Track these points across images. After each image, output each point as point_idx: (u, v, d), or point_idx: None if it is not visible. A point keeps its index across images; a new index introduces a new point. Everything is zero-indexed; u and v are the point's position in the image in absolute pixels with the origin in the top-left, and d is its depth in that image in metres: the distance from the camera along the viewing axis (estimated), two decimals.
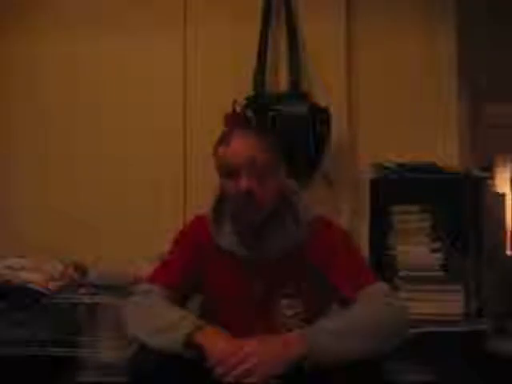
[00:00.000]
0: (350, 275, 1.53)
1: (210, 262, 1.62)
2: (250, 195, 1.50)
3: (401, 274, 2.10)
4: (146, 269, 2.06)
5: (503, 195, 2.53)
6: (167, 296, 1.54)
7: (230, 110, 2.29)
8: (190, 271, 1.61)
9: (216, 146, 1.59)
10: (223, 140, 1.57)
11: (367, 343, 1.37)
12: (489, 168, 2.48)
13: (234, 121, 2.26)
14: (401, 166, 2.18)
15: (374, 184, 2.20)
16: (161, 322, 1.43)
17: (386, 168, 2.19)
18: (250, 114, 2.27)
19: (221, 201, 1.65)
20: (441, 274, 2.07)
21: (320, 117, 2.27)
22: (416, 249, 2.11)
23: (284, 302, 1.58)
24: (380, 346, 1.39)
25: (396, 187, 2.17)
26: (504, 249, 2.51)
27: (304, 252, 1.58)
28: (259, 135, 1.57)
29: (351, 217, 2.38)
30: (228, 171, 1.53)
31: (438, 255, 2.10)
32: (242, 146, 1.52)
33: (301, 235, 1.59)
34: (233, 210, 1.59)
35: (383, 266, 2.11)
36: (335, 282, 1.54)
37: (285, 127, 2.23)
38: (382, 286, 1.54)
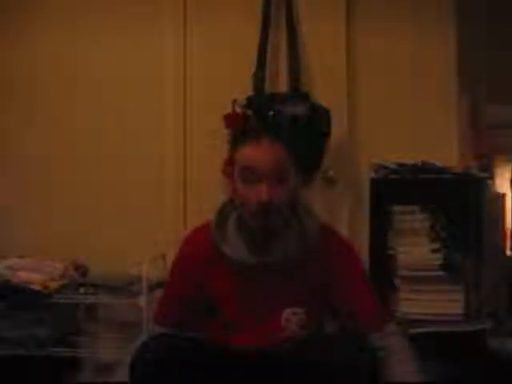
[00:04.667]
0: (370, 308, 1.59)
1: (213, 272, 1.61)
2: (270, 204, 1.48)
3: (401, 273, 2.10)
4: (146, 269, 2.07)
5: (503, 195, 2.53)
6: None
7: (229, 110, 2.29)
8: (191, 299, 1.64)
9: (236, 149, 1.57)
10: (244, 142, 1.57)
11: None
12: (489, 168, 2.48)
13: (234, 121, 2.26)
14: (401, 165, 2.18)
15: (374, 184, 2.20)
16: None
17: (386, 168, 2.19)
18: (249, 113, 2.27)
19: (224, 208, 1.63)
20: (441, 273, 2.07)
21: (320, 117, 2.27)
22: (416, 249, 2.11)
23: (288, 309, 1.58)
24: None
25: (396, 187, 2.17)
26: (504, 249, 2.51)
27: (310, 261, 1.58)
28: (282, 142, 1.56)
29: (351, 217, 2.39)
30: (249, 176, 1.51)
31: (438, 255, 2.09)
32: (266, 152, 1.51)
33: (306, 244, 1.58)
34: (246, 216, 1.55)
35: (383, 265, 2.11)
36: (342, 299, 1.58)
37: (285, 127, 2.23)
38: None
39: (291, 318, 1.57)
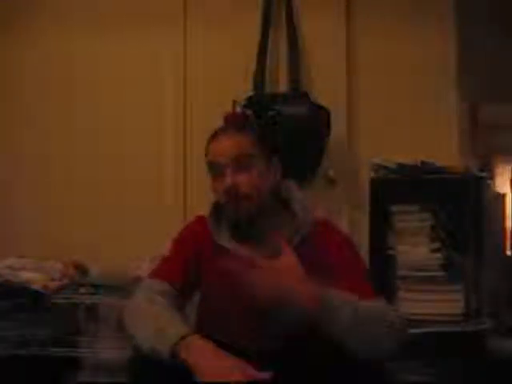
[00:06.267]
0: (352, 284, 1.52)
1: (209, 261, 1.62)
2: (235, 190, 1.53)
3: (401, 273, 2.10)
4: (146, 268, 2.07)
5: (503, 195, 2.53)
6: (167, 292, 1.54)
7: (230, 109, 2.29)
8: (190, 269, 1.62)
9: (207, 143, 1.63)
10: (209, 140, 1.62)
11: (362, 332, 1.35)
12: (489, 168, 2.48)
13: (234, 121, 2.26)
14: (401, 166, 2.18)
15: (374, 184, 2.20)
16: (152, 328, 1.40)
17: (386, 168, 2.19)
18: (249, 113, 2.27)
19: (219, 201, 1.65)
20: (441, 273, 2.07)
21: (320, 117, 2.27)
22: (416, 249, 2.11)
23: None
24: (371, 341, 1.37)
25: (396, 187, 2.17)
26: (504, 249, 2.51)
27: (304, 253, 1.58)
28: (245, 132, 1.61)
29: (351, 217, 2.39)
30: (215, 170, 1.57)
31: (438, 255, 2.09)
32: (225, 144, 1.57)
33: (301, 236, 1.59)
34: (225, 208, 1.60)
35: (383, 265, 2.11)
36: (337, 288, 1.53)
37: (285, 127, 2.23)
38: (380, 304, 1.50)
39: None
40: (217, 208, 1.66)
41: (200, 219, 1.69)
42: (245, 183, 1.54)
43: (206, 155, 1.62)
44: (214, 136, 1.62)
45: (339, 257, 1.58)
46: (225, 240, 1.62)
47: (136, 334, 1.43)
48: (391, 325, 1.42)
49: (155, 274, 1.62)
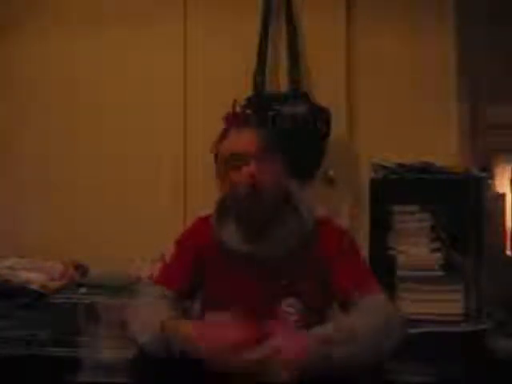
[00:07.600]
0: (354, 279, 1.53)
1: (212, 263, 1.63)
2: (255, 186, 1.51)
3: (401, 273, 2.10)
4: (146, 269, 2.07)
5: (503, 195, 2.53)
6: (168, 297, 1.55)
7: (230, 109, 2.29)
8: (192, 272, 1.62)
9: (220, 139, 1.61)
10: (229, 133, 1.61)
11: (365, 352, 1.36)
12: (489, 168, 2.48)
13: (234, 121, 2.26)
14: (401, 166, 2.18)
15: (374, 184, 2.20)
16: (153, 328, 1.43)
17: (386, 168, 2.19)
18: (249, 113, 2.27)
19: (225, 200, 1.65)
20: (441, 273, 2.07)
21: (320, 117, 2.27)
22: (416, 249, 2.11)
23: (286, 301, 1.58)
24: (375, 355, 1.39)
25: (396, 187, 2.17)
26: (504, 249, 2.51)
27: (307, 252, 1.59)
28: (265, 132, 1.61)
29: (351, 217, 2.39)
30: (236, 161, 1.54)
31: (438, 255, 2.09)
32: (251, 137, 1.56)
33: (304, 235, 1.59)
34: (237, 203, 1.58)
35: (383, 265, 2.11)
36: (339, 284, 1.54)
37: (285, 127, 2.23)
38: (383, 298, 1.53)
39: (289, 310, 1.57)
40: (221, 207, 1.65)
41: (201, 220, 1.69)
42: (268, 177, 1.53)
43: (218, 149, 1.60)
44: (230, 130, 1.62)
45: (341, 253, 1.58)
46: (228, 240, 1.61)
47: (137, 337, 1.44)
48: (392, 331, 1.43)
49: (157, 279, 1.64)
